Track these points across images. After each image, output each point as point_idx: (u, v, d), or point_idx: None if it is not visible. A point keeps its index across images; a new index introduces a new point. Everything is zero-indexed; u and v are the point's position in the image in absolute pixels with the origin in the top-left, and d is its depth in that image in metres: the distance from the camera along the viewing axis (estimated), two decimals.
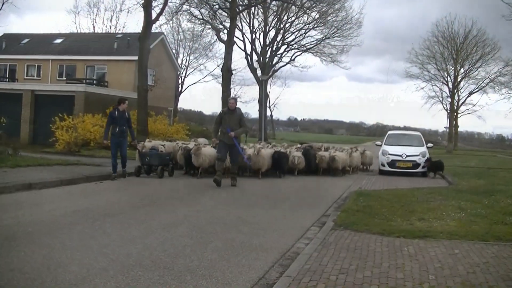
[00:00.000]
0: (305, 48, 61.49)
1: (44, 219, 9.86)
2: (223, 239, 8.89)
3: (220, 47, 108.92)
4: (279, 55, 62.79)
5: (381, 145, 27.30)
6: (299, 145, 26.71)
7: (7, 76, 45.85)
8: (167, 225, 9.88)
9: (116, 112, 17.39)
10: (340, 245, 8.40)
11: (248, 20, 58.40)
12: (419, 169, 24.84)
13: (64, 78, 43.53)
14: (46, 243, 7.93)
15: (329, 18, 57.30)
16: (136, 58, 32.76)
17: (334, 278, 6.45)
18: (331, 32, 58.58)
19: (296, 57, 63.36)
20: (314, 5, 52.24)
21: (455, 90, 67.15)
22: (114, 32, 61.37)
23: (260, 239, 9.07)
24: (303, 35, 60.47)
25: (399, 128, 61.23)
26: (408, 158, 24.92)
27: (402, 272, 6.78)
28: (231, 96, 17.90)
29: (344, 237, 9.10)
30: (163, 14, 34.42)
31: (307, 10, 53.80)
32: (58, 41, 47.56)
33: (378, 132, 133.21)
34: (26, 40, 48.48)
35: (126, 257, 7.34)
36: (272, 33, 60.36)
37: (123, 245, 8.05)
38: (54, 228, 9.07)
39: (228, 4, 38.16)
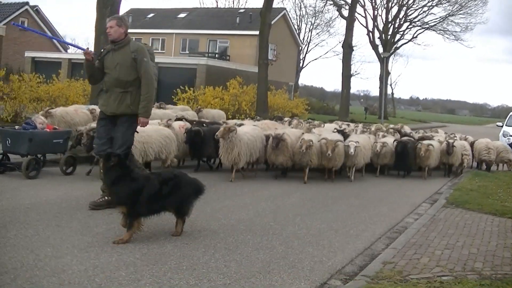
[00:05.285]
0: (427, 26, 60.14)
1: None
2: (333, 210, 9.08)
3: (342, 23, 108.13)
4: (401, 32, 61.78)
5: (502, 126, 26.37)
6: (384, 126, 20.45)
7: None
8: (279, 195, 10.17)
9: None
10: (449, 222, 8.38)
11: None
12: None
13: (187, 52, 44.74)
14: None
15: None
16: (257, 32, 33.12)
17: (439, 252, 6.48)
18: (455, 10, 56.97)
19: (418, 34, 62.17)
20: None
21: None
22: (237, 7, 62.24)
23: (370, 212, 9.19)
24: (426, 12, 59.13)
25: None
26: None
27: (510, 252, 6.71)
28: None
29: (454, 215, 9.05)
30: None
31: None
32: (182, 15, 48.84)
33: (503, 113, 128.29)
34: (151, 15, 50.11)
35: (237, 222, 7.67)
36: (394, 10, 59.43)
37: (235, 210, 8.39)
38: None
39: None
